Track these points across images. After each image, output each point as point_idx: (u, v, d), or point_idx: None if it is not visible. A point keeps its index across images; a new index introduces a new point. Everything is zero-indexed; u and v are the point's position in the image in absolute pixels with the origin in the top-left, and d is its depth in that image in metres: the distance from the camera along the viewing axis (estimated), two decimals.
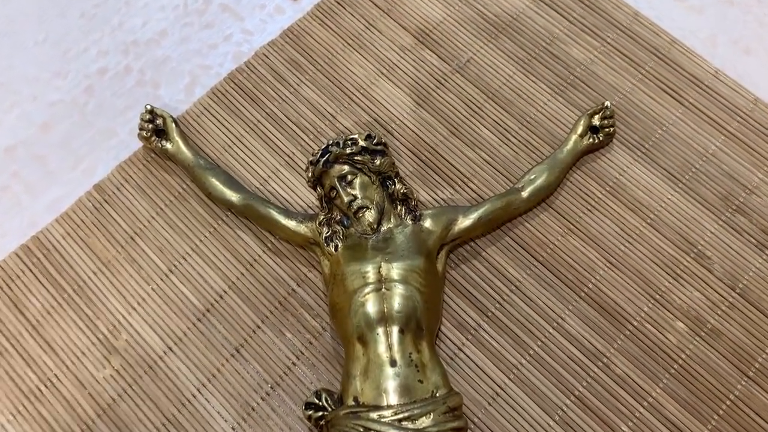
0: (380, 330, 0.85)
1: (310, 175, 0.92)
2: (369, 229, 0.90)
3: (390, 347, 0.84)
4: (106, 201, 1.04)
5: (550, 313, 0.96)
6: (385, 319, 0.85)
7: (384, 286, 0.87)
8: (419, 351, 0.85)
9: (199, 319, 0.97)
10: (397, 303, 0.85)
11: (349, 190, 0.90)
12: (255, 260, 1.00)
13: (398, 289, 0.86)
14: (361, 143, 0.90)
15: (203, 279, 0.99)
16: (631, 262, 0.98)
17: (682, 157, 1.05)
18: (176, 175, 1.05)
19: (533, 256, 0.99)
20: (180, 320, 0.97)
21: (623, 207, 1.02)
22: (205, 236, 1.01)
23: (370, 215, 0.90)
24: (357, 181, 0.90)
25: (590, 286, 0.97)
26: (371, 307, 0.85)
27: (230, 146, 1.07)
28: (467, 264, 0.99)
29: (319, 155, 0.90)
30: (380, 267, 0.88)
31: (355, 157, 0.90)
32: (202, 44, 1.10)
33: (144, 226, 1.02)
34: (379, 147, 0.91)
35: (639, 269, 0.98)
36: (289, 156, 1.06)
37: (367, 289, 0.86)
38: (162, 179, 1.05)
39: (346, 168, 0.90)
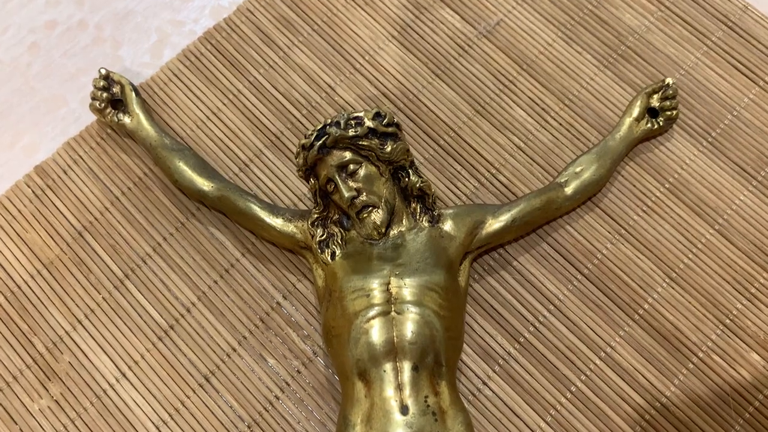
0: (388, 366, 0.66)
1: (301, 162, 0.72)
2: (375, 233, 0.71)
3: (400, 388, 0.66)
4: (49, 187, 0.84)
5: (597, 339, 0.77)
6: (394, 351, 0.66)
7: (394, 308, 0.68)
8: (437, 393, 0.66)
9: (160, 338, 0.77)
10: (410, 331, 0.67)
11: (350, 183, 0.71)
12: (231, 265, 0.80)
13: (412, 313, 0.67)
14: (368, 124, 0.70)
15: (166, 287, 0.79)
16: (695, 278, 0.80)
17: (757, 149, 0.86)
18: (136, 156, 0.85)
19: (576, 268, 0.80)
20: (136, 339, 0.77)
21: (686, 209, 0.83)
22: (171, 234, 0.82)
23: (377, 216, 0.71)
24: (361, 172, 0.71)
25: (646, 306, 0.78)
26: (377, 336, 0.66)
27: (204, 122, 0.87)
28: (494, 276, 0.80)
29: (313, 137, 0.70)
30: (389, 283, 0.69)
31: (360, 142, 0.70)
32: None
33: (95, 219, 0.83)
34: (390, 129, 0.71)
35: (705, 287, 0.79)
36: (276, 135, 0.86)
37: (372, 312, 0.67)
38: (119, 161, 0.85)
39: (348, 155, 0.70)
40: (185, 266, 0.81)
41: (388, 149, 0.71)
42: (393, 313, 0.67)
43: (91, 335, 0.78)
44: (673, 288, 0.79)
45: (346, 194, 0.70)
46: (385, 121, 0.71)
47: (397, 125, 0.72)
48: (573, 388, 0.75)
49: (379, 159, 0.71)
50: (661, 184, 0.84)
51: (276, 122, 0.87)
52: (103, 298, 0.79)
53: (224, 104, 0.88)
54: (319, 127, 0.71)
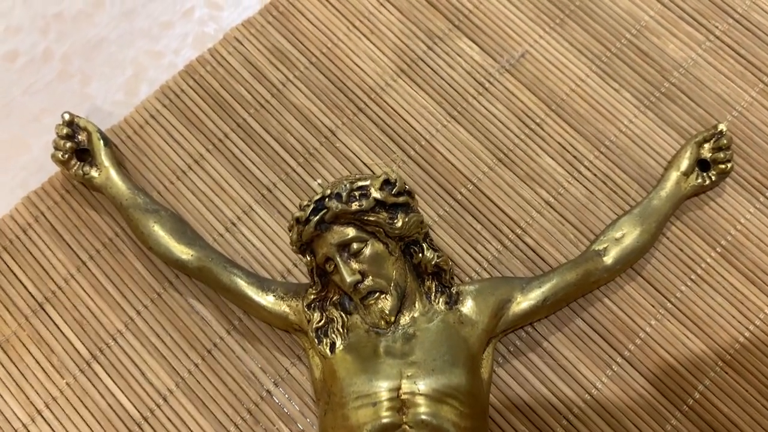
0: None
1: (295, 237, 0.61)
2: (383, 322, 0.60)
3: None
4: (5, 248, 0.73)
5: None
6: None
7: (405, 420, 0.57)
8: None
9: None
10: None
11: (354, 264, 0.59)
12: (215, 345, 0.69)
13: (428, 429, 0.56)
14: (375, 195, 0.58)
15: (140, 371, 0.68)
16: (753, 360, 0.69)
17: None
18: (107, 213, 0.74)
19: (616, 350, 0.69)
20: None
21: (741, 278, 0.71)
22: (145, 307, 0.71)
23: (385, 303, 0.60)
24: (367, 251, 0.59)
25: (696, 396, 0.67)
26: None
27: (185, 172, 0.75)
28: (521, 359, 0.69)
29: (309, 211, 0.59)
30: (400, 388, 0.58)
31: (365, 217, 0.58)
32: (151, 22, 0.78)
33: (58, 288, 0.71)
34: (401, 199, 0.60)
35: (766, 372, 0.68)
36: (268, 188, 0.75)
37: (379, 427, 0.56)
38: (87, 219, 0.74)
39: (351, 232, 0.59)
40: (162, 346, 0.69)
41: (399, 224, 0.59)
42: (404, 427, 0.56)
43: (52, 429, 0.67)
44: (727, 373, 0.68)
45: (348, 279, 0.59)
46: (395, 190, 0.59)
47: (410, 193, 0.61)
48: None
49: (388, 235, 0.60)
50: (712, 248, 0.73)
51: (268, 172, 0.76)
52: (66, 383, 0.68)
53: (208, 151, 0.77)
54: (316, 199, 0.59)
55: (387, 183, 0.60)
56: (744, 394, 0.68)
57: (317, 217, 0.58)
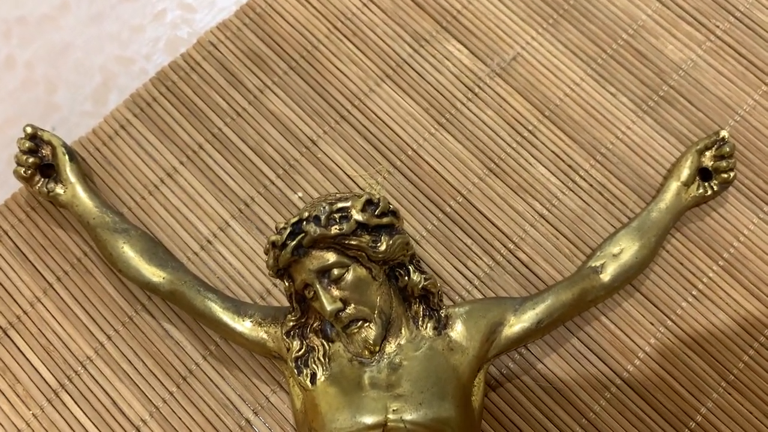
0: None
1: (271, 262, 0.56)
2: (367, 352, 0.56)
3: None
4: None
5: None
6: None
7: None
8: None
9: None
10: None
11: (335, 291, 0.55)
12: (190, 372, 0.65)
13: None
14: (356, 217, 0.54)
15: (112, 401, 0.65)
16: (757, 381, 0.65)
17: None
18: (74, 231, 0.70)
19: (614, 371, 0.65)
20: None
21: (745, 293, 0.68)
22: (116, 331, 0.67)
23: (368, 332, 0.56)
24: (348, 276, 0.55)
25: (698, 419, 0.64)
26: None
27: (157, 187, 0.71)
28: (514, 382, 0.65)
29: (286, 235, 0.55)
30: (386, 423, 0.54)
31: (346, 241, 0.54)
32: (120, 26, 0.73)
33: (23, 312, 0.67)
34: (384, 220, 0.56)
35: None
36: (245, 203, 0.71)
37: None
38: (53, 238, 0.70)
39: (332, 257, 0.55)
40: (134, 373, 0.66)
41: (383, 247, 0.55)
42: None
43: None
44: (730, 394, 0.65)
45: (329, 307, 0.55)
46: (378, 210, 0.55)
47: (394, 213, 0.57)
48: None
49: (371, 260, 0.56)
50: (714, 262, 0.69)
51: (245, 185, 0.71)
52: (33, 415, 0.65)
53: (182, 163, 0.72)
54: (293, 221, 0.55)
55: (369, 203, 0.55)
56: (749, 417, 0.64)
57: (294, 242, 0.54)
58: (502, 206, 0.71)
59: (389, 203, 0.57)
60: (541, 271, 0.69)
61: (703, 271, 0.69)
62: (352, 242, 0.54)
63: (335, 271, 0.55)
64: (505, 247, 0.70)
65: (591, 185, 0.72)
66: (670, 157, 0.72)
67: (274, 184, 0.72)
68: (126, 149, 0.73)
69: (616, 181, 0.72)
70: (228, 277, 0.68)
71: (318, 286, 0.55)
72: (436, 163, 0.72)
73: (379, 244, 0.55)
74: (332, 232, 0.54)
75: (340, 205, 0.55)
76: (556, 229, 0.70)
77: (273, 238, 0.55)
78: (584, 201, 0.71)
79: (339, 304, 0.55)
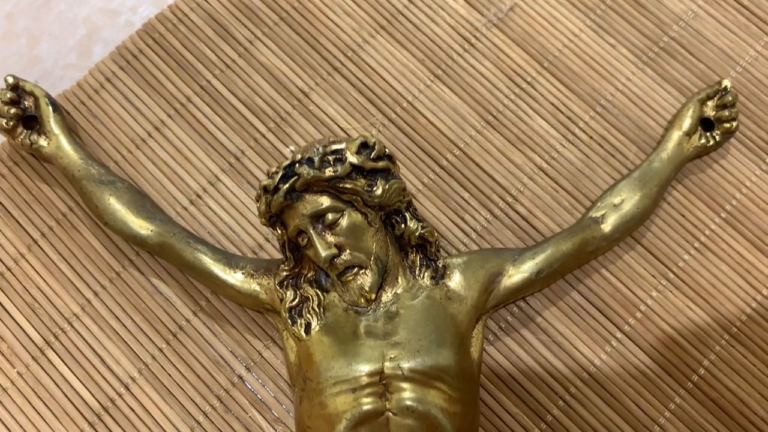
0: None
1: (263, 208, 0.55)
2: (363, 300, 0.54)
3: None
4: None
5: (641, 416, 0.62)
6: None
7: (388, 406, 0.51)
8: None
9: (91, 425, 0.61)
10: None
11: (329, 237, 0.53)
12: (181, 328, 0.64)
13: (413, 415, 0.51)
14: (351, 159, 0.52)
15: (99, 358, 0.63)
16: (761, 333, 0.64)
17: None
18: (59, 186, 0.67)
19: (615, 324, 0.64)
20: (62, 426, 0.61)
21: (748, 245, 0.67)
22: (103, 288, 0.65)
23: (364, 279, 0.54)
24: (343, 222, 0.53)
25: (701, 372, 0.63)
26: None
27: (144, 140, 0.69)
28: (513, 336, 0.64)
29: (278, 179, 0.53)
30: (382, 371, 0.52)
31: (341, 184, 0.52)
32: None
33: (7, 269, 0.65)
34: (380, 164, 0.54)
35: None
36: (236, 156, 0.69)
37: (360, 414, 0.51)
38: (37, 193, 0.67)
39: (326, 201, 0.53)
40: (122, 329, 0.64)
41: (379, 191, 0.53)
42: (388, 414, 0.51)
43: (4, 423, 0.61)
44: (733, 347, 0.64)
45: (324, 253, 0.53)
46: (373, 153, 0.53)
47: (390, 157, 0.55)
48: None
49: (367, 204, 0.54)
50: (716, 214, 0.68)
51: (236, 139, 0.69)
52: (18, 373, 0.63)
53: (170, 116, 0.70)
54: (286, 165, 0.53)
55: (364, 146, 0.53)
56: (752, 369, 0.63)
57: (287, 185, 0.52)
58: (500, 159, 0.69)
59: (385, 147, 0.55)
60: (540, 224, 0.67)
61: (705, 224, 0.67)
62: (347, 186, 0.53)
63: (329, 216, 0.53)
64: (503, 200, 0.68)
65: (591, 137, 0.70)
66: (671, 109, 0.71)
67: (265, 137, 0.69)
68: (112, 102, 0.70)
69: (617, 133, 0.70)
70: (219, 232, 0.66)
71: (312, 231, 0.53)
72: (432, 116, 0.70)
73: (374, 188, 0.53)
74: (326, 174, 0.52)
75: (334, 147, 0.53)
76: (556, 182, 0.68)
77: (265, 182, 0.54)
78: (584, 153, 0.69)
79: (334, 250, 0.53)
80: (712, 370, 0.63)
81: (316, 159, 0.52)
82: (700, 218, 0.68)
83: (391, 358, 0.53)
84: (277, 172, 0.53)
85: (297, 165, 0.52)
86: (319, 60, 0.72)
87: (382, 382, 0.52)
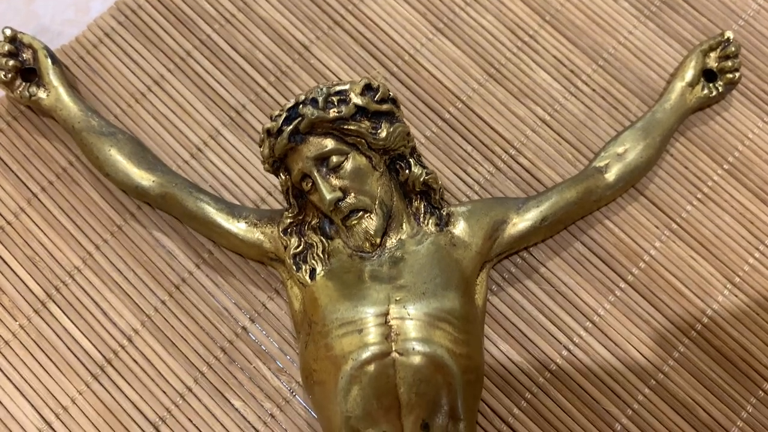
0: (389, 425, 0.50)
1: (267, 152, 0.54)
2: (368, 244, 0.54)
3: None
4: None
5: (645, 364, 0.62)
6: (397, 406, 0.50)
7: (395, 347, 0.51)
8: None
9: (95, 377, 0.61)
10: (417, 379, 0.50)
11: (333, 180, 0.53)
12: (183, 280, 0.63)
13: (419, 354, 0.51)
14: (355, 100, 0.52)
15: (101, 310, 0.62)
16: (765, 284, 0.64)
17: None
18: (59, 140, 0.67)
19: (619, 274, 0.64)
20: (65, 378, 0.61)
21: (751, 196, 0.67)
22: (105, 241, 0.64)
23: (369, 223, 0.54)
24: (347, 165, 0.53)
25: (705, 321, 0.63)
26: (374, 387, 0.50)
27: (144, 95, 0.68)
28: (516, 286, 0.64)
29: (282, 120, 0.52)
30: (388, 313, 0.52)
31: (345, 126, 0.52)
32: None
33: (7, 223, 0.65)
34: (384, 106, 0.53)
35: None
36: (236, 110, 0.68)
37: (367, 354, 0.51)
38: (36, 148, 0.67)
39: (330, 144, 0.53)
40: (124, 282, 0.63)
41: (383, 134, 0.53)
42: (394, 355, 0.51)
43: (6, 375, 0.61)
44: (736, 296, 0.64)
45: (328, 196, 0.52)
46: (377, 96, 0.53)
47: (394, 101, 0.55)
48: (618, 427, 0.60)
49: (371, 147, 0.54)
50: (718, 165, 0.68)
51: (236, 93, 0.69)
52: (19, 325, 0.62)
53: (170, 71, 0.69)
54: (289, 106, 0.53)
55: (369, 88, 0.53)
56: (755, 318, 0.63)
57: (291, 126, 0.52)
58: (502, 112, 0.69)
59: (389, 90, 0.54)
60: (544, 176, 0.67)
61: (708, 175, 0.67)
62: (351, 127, 0.52)
63: (334, 159, 0.53)
64: (506, 152, 0.68)
65: (594, 90, 0.70)
66: (673, 62, 0.70)
67: (266, 91, 0.69)
68: (111, 57, 0.70)
69: (619, 86, 0.70)
70: (220, 185, 0.66)
71: (316, 174, 0.53)
72: (434, 69, 0.70)
73: (379, 131, 0.53)
74: (330, 115, 0.52)
75: (338, 88, 0.53)
76: (559, 134, 0.68)
77: (268, 125, 0.53)
78: (586, 106, 0.69)
79: (338, 193, 0.53)
80: (715, 319, 0.63)
81: (320, 100, 0.52)
82: (703, 170, 0.67)
83: (396, 300, 0.53)
84: (280, 115, 0.53)
85: (301, 106, 0.52)
86: (320, 13, 0.71)
87: (387, 324, 0.52)
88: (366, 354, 0.51)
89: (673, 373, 0.62)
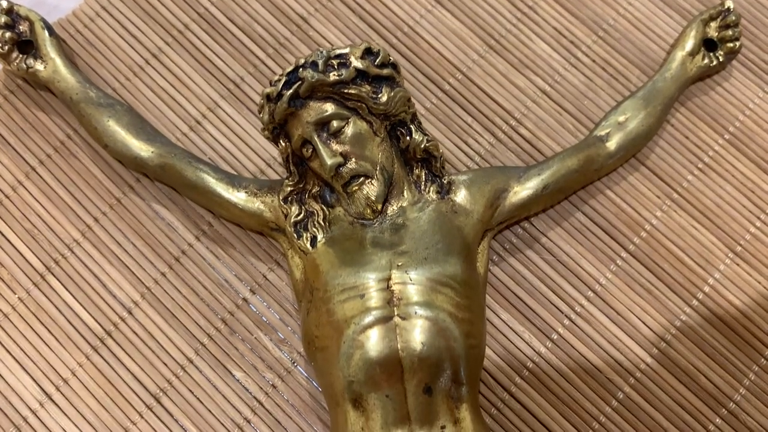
0: (391, 389, 0.50)
1: (267, 118, 0.54)
2: (369, 210, 0.54)
3: (408, 418, 0.50)
4: None
5: (647, 332, 0.62)
6: (399, 370, 0.50)
7: (397, 311, 0.51)
8: (457, 421, 0.51)
9: (95, 349, 0.61)
10: (419, 342, 0.50)
11: (334, 146, 0.53)
12: (183, 252, 0.63)
13: (421, 318, 0.51)
14: (356, 64, 0.52)
15: (101, 283, 0.62)
16: (766, 252, 0.64)
17: None
18: (56, 114, 0.66)
19: (620, 244, 0.64)
20: (64, 350, 0.61)
21: (751, 165, 0.67)
22: (104, 213, 0.64)
23: (370, 188, 0.53)
24: (348, 130, 0.53)
25: (706, 289, 0.63)
26: (376, 351, 0.50)
27: (142, 68, 0.68)
28: (518, 256, 0.63)
29: (282, 85, 0.52)
30: (390, 278, 0.52)
31: (346, 90, 0.52)
32: None
33: (6, 196, 0.65)
34: (385, 71, 0.53)
35: None
36: (234, 83, 0.68)
37: (369, 319, 0.50)
38: (34, 121, 0.66)
39: (330, 108, 0.52)
40: (124, 255, 0.63)
41: (384, 98, 0.53)
42: (396, 319, 0.51)
43: (5, 348, 0.61)
44: (738, 265, 0.64)
45: (329, 161, 0.52)
46: (378, 60, 0.53)
47: (395, 66, 0.54)
48: (620, 395, 0.60)
49: (372, 112, 0.53)
50: (719, 135, 0.67)
51: (234, 65, 0.68)
52: (19, 298, 0.62)
53: (167, 44, 0.69)
54: (289, 70, 0.52)
55: (369, 52, 0.53)
56: (756, 286, 0.63)
57: (291, 90, 0.52)
58: (503, 83, 0.68)
59: (389, 55, 0.54)
60: (544, 147, 0.67)
61: (709, 145, 0.67)
62: (352, 91, 0.52)
63: (334, 124, 0.52)
64: (506, 123, 0.67)
65: (593, 60, 0.69)
66: (673, 33, 0.70)
67: (264, 63, 0.68)
68: (108, 31, 0.69)
69: (619, 57, 0.69)
70: (219, 158, 0.66)
71: (317, 139, 0.52)
72: (434, 40, 0.69)
73: (380, 95, 0.53)
74: (330, 78, 0.51)
75: (338, 51, 0.52)
76: (559, 105, 0.68)
77: (267, 90, 0.53)
78: (587, 76, 0.69)
79: (339, 159, 0.53)
80: (717, 288, 0.63)
81: (320, 63, 0.51)
82: (704, 139, 0.67)
83: (398, 265, 0.52)
84: (279, 80, 0.52)
85: (300, 70, 0.51)
86: None
87: (389, 289, 0.52)
88: (368, 318, 0.50)
89: (675, 341, 0.61)
